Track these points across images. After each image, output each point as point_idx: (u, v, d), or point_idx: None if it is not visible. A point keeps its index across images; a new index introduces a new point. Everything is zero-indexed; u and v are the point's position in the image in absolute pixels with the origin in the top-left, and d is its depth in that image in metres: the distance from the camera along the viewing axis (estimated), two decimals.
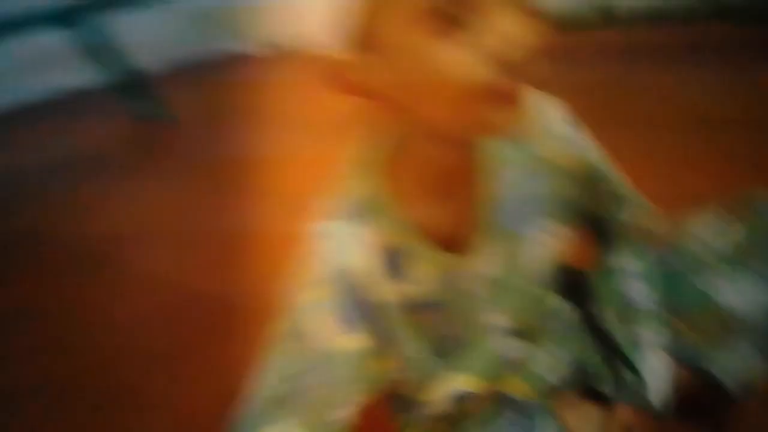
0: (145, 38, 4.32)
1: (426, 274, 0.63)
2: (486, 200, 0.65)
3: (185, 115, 3.38)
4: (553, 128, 0.69)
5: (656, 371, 0.71)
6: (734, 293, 0.68)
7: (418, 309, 0.65)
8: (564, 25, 2.65)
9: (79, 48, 3.20)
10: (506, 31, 0.49)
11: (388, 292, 0.63)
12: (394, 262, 0.62)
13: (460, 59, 0.49)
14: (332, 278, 0.61)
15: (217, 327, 1.44)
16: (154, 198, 2.34)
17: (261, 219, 1.97)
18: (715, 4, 2.64)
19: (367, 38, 0.53)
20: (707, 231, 0.72)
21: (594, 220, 0.76)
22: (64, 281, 1.81)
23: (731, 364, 0.69)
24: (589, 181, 0.72)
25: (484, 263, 0.66)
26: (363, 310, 0.62)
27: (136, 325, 1.53)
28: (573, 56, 2.50)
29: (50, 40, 3.55)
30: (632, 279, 0.73)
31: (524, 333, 0.73)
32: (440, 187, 0.62)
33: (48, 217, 2.35)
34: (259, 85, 3.88)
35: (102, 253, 1.94)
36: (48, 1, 3.52)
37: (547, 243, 0.70)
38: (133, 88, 3.27)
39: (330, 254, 0.61)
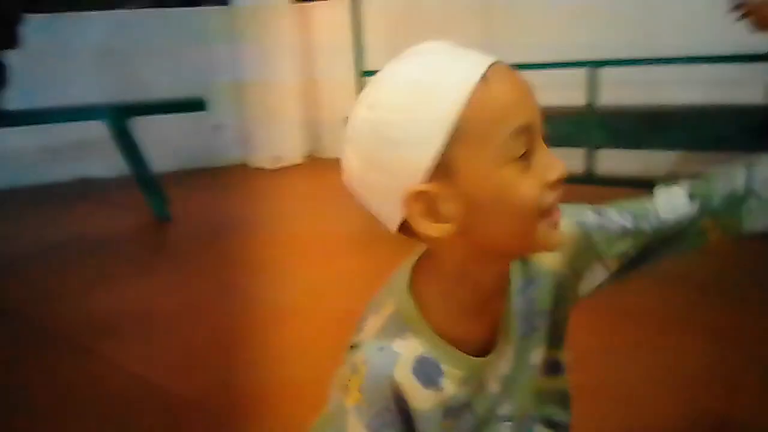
0: (161, 140, 4.58)
1: (455, 378, 0.71)
2: (507, 312, 0.75)
3: (185, 216, 3.50)
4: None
5: None
6: None
7: (449, 412, 0.72)
8: None
9: (109, 142, 3.39)
10: (555, 164, 0.64)
11: (424, 400, 0.70)
12: (429, 370, 0.70)
13: (533, 188, 0.62)
14: (371, 387, 0.68)
15: (173, 426, 1.45)
16: (141, 291, 2.39)
17: (241, 325, 2.01)
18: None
19: (445, 174, 0.62)
20: None
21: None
22: (35, 362, 1.82)
23: None
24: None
25: (501, 364, 0.75)
26: (398, 416, 0.69)
27: (88, 417, 1.52)
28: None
29: (85, 131, 3.81)
30: None
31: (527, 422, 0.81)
32: (477, 306, 0.72)
33: (32, 298, 2.38)
34: (261, 195, 4.04)
35: (77, 339, 1.97)
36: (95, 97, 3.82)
37: (542, 340, 0.80)
38: (147, 185, 3.42)
39: (372, 365, 0.68)
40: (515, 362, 0.77)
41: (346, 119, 0.67)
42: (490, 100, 0.60)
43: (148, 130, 3.71)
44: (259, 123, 4.99)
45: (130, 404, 1.56)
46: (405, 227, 0.66)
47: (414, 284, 0.71)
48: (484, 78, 0.61)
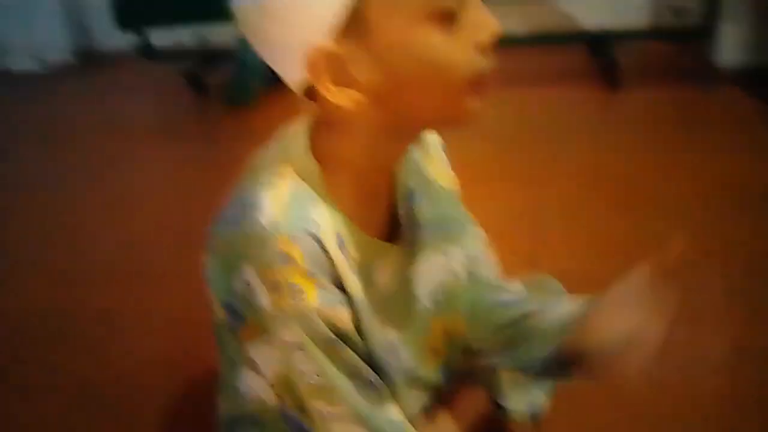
0: None
1: (353, 262, 0.62)
2: (400, 212, 0.70)
3: None
4: (436, 152, 0.77)
5: None
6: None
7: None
8: None
9: None
10: (488, 22, 0.54)
11: (353, 282, 0.62)
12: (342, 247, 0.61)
13: (463, 51, 0.53)
14: (316, 263, 0.57)
15: None
16: None
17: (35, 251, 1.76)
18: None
19: (357, 32, 0.52)
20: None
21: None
22: None
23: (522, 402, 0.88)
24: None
25: (387, 265, 0.68)
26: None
27: None
28: None
29: None
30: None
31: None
32: (375, 188, 0.65)
33: None
34: (29, 104, 3.52)
35: None
36: None
37: (439, 262, 0.75)
38: None
39: (302, 241, 0.56)
40: (396, 275, 0.69)
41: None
42: None
43: None
44: (9, 18, 4.26)
45: None
46: (312, 92, 0.56)
47: (313, 152, 0.60)
48: None
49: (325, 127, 0.60)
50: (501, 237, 1.54)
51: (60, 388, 1.21)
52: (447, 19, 0.52)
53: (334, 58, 0.53)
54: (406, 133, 0.62)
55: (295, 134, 0.62)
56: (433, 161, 0.76)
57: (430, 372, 0.79)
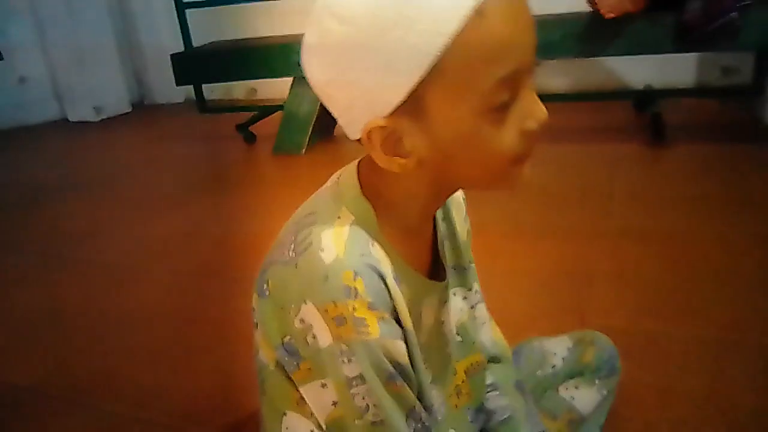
0: None
1: (406, 299, 0.63)
2: (439, 240, 0.74)
3: None
4: (459, 203, 0.81)
5: None
6: (584, 399, 0.92)
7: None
8: None
9: None
10: (537, 111, 0.56)
11: (407, 317, 0.63)
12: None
13: (509, 138, 0.56)
14: (379, 298, 0.58)
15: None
16: None
17: (75, 294, 1.81)
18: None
19: (413, 112, 0.55)
20: (565, 351, 0.95)
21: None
22: None
23: None
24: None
25: (434, 300, 0.71)
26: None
27: None
28: None
29: None
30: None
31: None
32: (418, 225, 0.68)
33: None
34: (84, 152, 3.67)
35: None
36: None
37: (458, 305, 0.79)
38: None
39: (365, 274, 0.58)
40: (435, 314, 0.72)
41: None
42: (481, 38, 0.51)
43: None
44: (72, 71, 4.49)
45: None
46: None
47: (365, 193, 0.64)
48: (480, 7, 0.50)
49: (375, 172, 0.63)
50: (549, 293, 1.55)
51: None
52: (500, 110, 0.55)
53: (388, 131, 0.56)
54: (448, 189, 0.66)
55: (349, 177, 0.65)
56: (457, 211, 0.80)
57: (458, 416, 0.79)
